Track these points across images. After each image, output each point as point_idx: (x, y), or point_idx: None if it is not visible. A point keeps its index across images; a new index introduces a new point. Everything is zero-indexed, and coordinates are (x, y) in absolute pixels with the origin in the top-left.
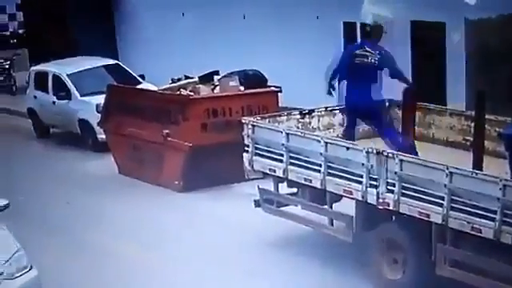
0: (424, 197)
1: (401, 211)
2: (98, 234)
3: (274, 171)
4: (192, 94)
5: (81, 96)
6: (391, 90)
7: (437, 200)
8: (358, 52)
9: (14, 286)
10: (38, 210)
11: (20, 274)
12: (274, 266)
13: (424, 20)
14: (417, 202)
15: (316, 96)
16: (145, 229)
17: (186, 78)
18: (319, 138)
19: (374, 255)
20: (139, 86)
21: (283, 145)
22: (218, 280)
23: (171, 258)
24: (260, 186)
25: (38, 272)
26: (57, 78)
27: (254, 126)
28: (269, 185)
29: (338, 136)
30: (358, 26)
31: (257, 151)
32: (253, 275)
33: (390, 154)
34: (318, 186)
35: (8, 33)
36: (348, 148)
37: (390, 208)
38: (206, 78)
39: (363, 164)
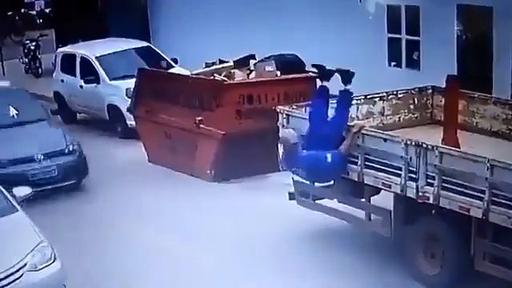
0: (464, 190)
1: (441, 205)
2: (126, 223)
3: None
4: (226, 79)
5: (110, 80)
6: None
7: (477, 194)
8: None
9: (38, 277)
10: (63, 199)
11: (43, 265)
12: (305, 259)
13: (471, 4)
14: (457, 195)
15: (356, 83)
16: (172, 220)
17: (221, 62)
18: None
19: (411, 249)
20: (171, 71)
21: None
22: (246, 272)
23: (199, 248)
24: (295, 178)
25: (61, 264)
26: (85, 61)
27: (288, 115)
28: None
29: (377, 125)
30: (403, 9)
31: None
32: (281, 268)
33: (429, 146)
34: (356, 178)
35: (34, 12)
36: (386, 140)
37: (430, 202)
38: (242, 63)
39: (402, 156)
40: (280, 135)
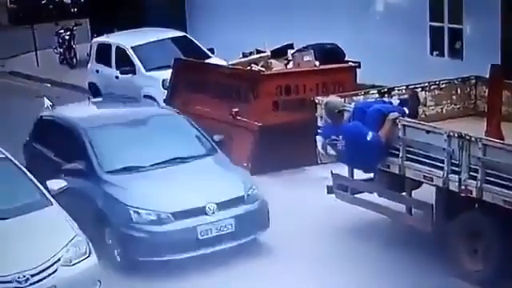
0: (509, 184)
1: (484, 199)
2: None
3: None
4: (263, 69)
5: (146, 70)
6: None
7: None
8: None
9: (72, 272)
10: None
11: (78, 260)
12: (342, 253)
13: None
14: (501, 189)
15: (398, 72)
16: None
17: (258, 52)
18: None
19: (453, 244)
20: (208, 61)
21: None
22: (281, 265)
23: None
24: (333, 172)
25: (97, 259)
26: (120, 51)
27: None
28: (343, 170)
29: (419, 116)
30: None
31: None
32: (316, 261)
33: (472, 138)
34: (397, 171)
35: (69, 1)
36: (428, 131)
37: (473, 195)
38: (279, 53)
39: (444, 149)
40: (326, 101)
